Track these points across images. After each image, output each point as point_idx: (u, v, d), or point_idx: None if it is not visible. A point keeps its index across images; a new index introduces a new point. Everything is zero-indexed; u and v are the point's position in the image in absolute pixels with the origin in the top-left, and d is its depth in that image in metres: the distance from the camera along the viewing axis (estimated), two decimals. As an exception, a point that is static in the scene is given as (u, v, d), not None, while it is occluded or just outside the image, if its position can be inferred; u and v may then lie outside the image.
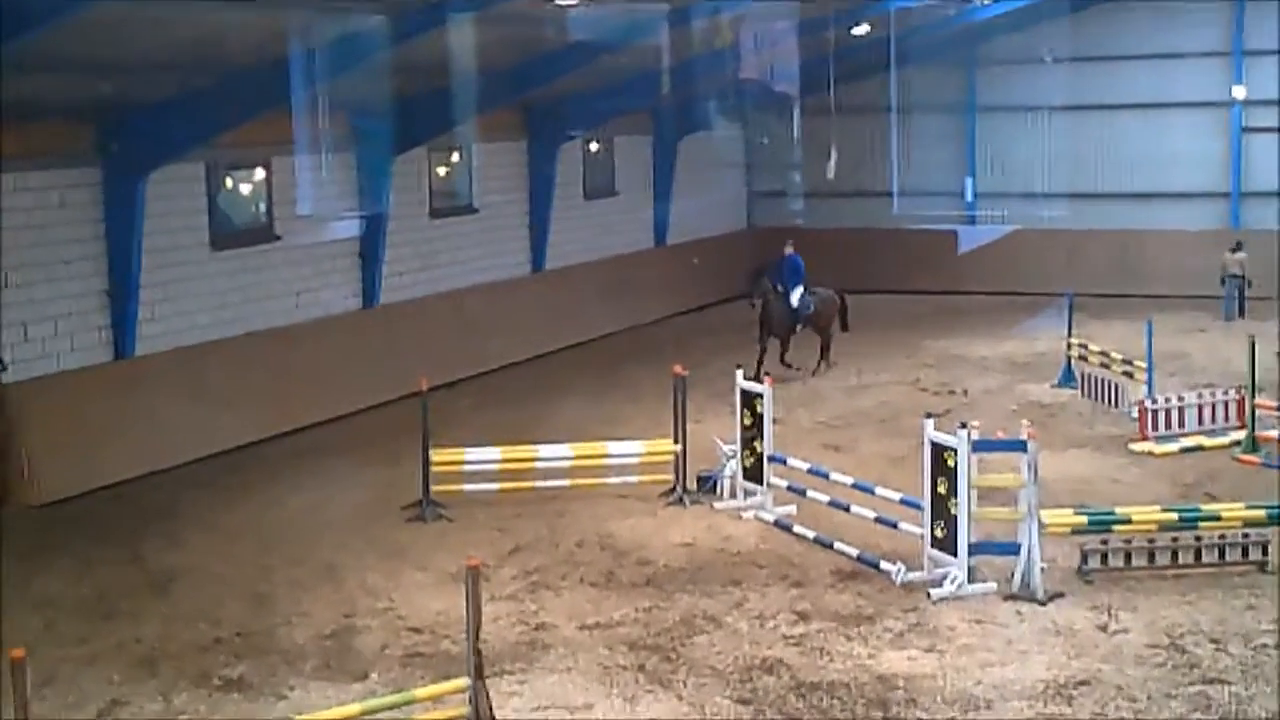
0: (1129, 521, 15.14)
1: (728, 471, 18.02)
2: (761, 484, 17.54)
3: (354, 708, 10.91)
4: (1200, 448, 20.11)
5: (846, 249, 35.60)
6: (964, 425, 14.67)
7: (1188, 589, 14.61)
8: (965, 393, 24.39)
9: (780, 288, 25.60)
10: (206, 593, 15.19)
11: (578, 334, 29.61)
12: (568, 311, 29.39)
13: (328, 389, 22.88)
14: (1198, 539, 15.09)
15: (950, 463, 14.58)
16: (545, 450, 18.27)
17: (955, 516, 14.56)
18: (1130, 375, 22.24)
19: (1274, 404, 20.11)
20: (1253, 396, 19.86)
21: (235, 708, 12.39)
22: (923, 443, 15.04)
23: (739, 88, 31.10)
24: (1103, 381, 22.88)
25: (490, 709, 10.92)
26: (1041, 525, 14.62)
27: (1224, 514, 15.27)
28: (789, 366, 25.50)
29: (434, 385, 18.48)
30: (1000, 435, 15.90)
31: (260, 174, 22.45)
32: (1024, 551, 14.47)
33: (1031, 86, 35.00)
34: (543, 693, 12.49)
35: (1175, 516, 15.23)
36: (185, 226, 20.96)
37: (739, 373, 18.21)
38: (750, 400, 17.72)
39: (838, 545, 15.91)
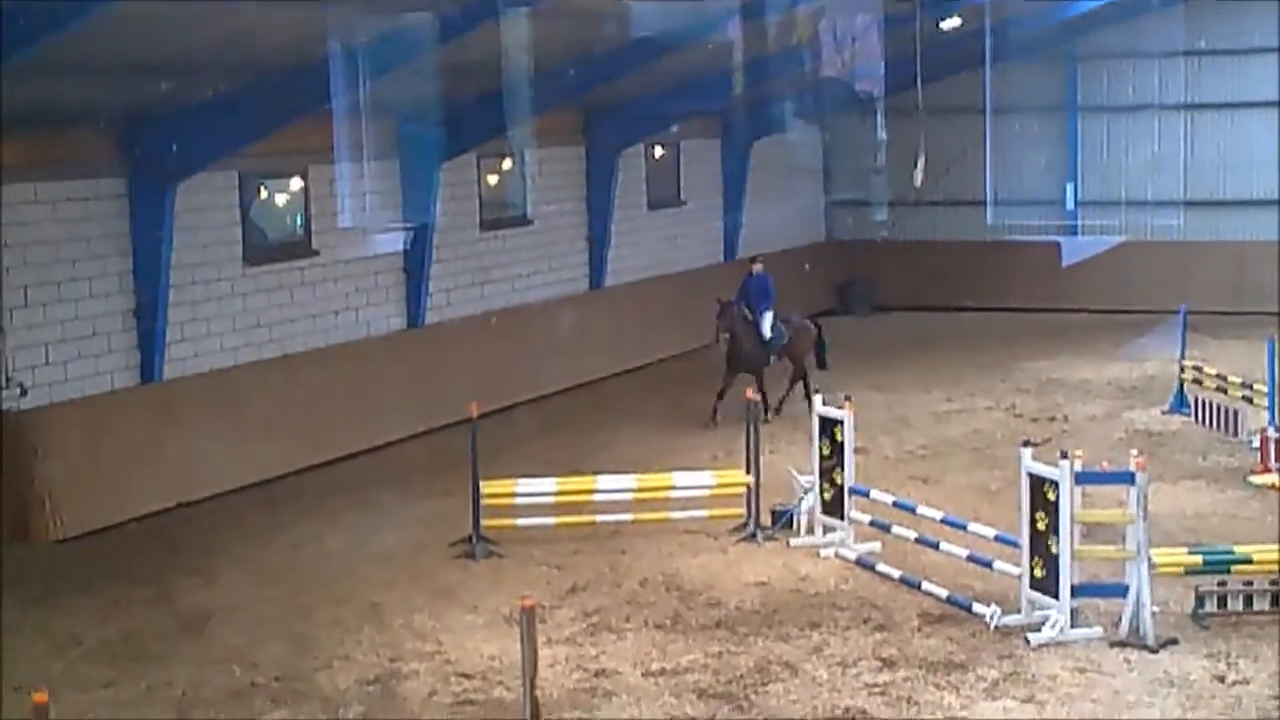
0: (1249, 561, 15.04)
1: (805, 505, 18.04)
2: (842, 519, 17.55)
3: (400, 758, 11.06)
4: (1328, 480, 19.98)
5: (936, 263, 35.65)
6: (1065, 455, 14.62)
7: (1314, 635, 14.52)
8: (1066, 419, 24.28)
9: (748, 314, 24.57)
10: (242, 634, 15.36)
11: (640, 356, 29.75)
12: (630, 332, 29.54)
13: (370, 415, 23.09)
14: (1325, 581, 14.98)
15: (1050, 496, 14.55)
16: (605, 481, 18.38)
17: (1056, 555, 14.51)
18: (1250, 400, 22.10)
19: None
20: (1387, 424, 19.74)
21: (272, 758, 12.58)
22: (1020, 474, 15.01)
23: (817, 87, 31.14)
24: (1219, 407, 22.73)
25: (547, 761, 11.03)
26: (1152, 565, 14.54)
27: (1355, 553, 15.14)
28: (776, 410, 24.19)
29: (485, 411, 18.61)
30: (1106, 466, 15.87)
31: (297, 184, 22.68)
32: (1132, 594, 14.41)
33: (1140, 83, 34.88)
34: (604, 744, 12.60)
35: (1300, 556, 15.13)
36: (217, 240, 21.19)
37: (818, 398, 18.27)
38: (829, 428, 17.74)
39: (926, 585, 15.91)
